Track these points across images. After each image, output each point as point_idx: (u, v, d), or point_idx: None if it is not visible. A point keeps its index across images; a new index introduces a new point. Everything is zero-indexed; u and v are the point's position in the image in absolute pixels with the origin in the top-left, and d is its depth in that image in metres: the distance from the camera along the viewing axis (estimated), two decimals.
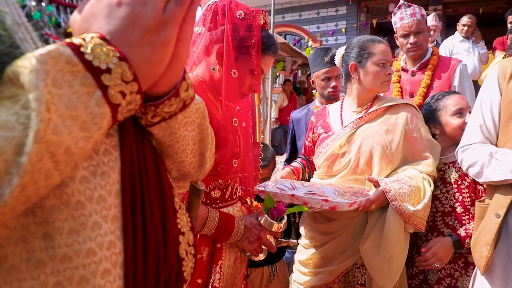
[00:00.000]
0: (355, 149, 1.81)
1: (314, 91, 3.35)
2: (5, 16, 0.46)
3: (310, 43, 10.32)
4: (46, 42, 0.52)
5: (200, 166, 0.76)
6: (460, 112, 1.81)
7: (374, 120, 1.84)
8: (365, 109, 1.88)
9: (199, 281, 1.39)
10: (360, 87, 1.86)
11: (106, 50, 0.46)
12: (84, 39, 0.45)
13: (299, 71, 10.67)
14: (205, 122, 0.71)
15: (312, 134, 2.05)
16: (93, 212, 0.51)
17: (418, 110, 1.91)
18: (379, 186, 1.67)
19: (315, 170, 2.05)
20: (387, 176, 1.76)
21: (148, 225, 0.57)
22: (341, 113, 1.97)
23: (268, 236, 1.49)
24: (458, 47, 5.18)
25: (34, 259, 0.47)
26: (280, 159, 3.54)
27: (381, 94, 2.84)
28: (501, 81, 1.44)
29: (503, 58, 2.75)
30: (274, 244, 1.53)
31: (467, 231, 1.70)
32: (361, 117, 1.85)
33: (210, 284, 1.39)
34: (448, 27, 8.47)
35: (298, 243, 1.60)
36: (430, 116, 1.92)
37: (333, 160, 1.87)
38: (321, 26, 10.45)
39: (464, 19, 5.25)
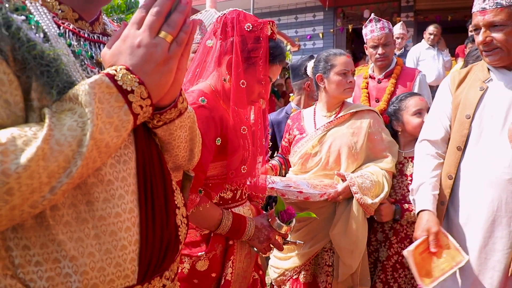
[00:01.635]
0: (325, 149, 2.07)
1: (291, 94, 3.61)
2: (63, 56, 0.69)
3: (289, 47, 10.60)
4: (85, 70, 0.75)
5: (190, 159, 1.00)
6: (420, 112, 2.10)
7: (342, 124, 2.11)
8: (335, 114, 2.15)
9: (213, 275, 1.48)
10: (327, 94, 2.13)
11: (130, 77, 0.69)
12: (116, 70, 0.68)
13: None
14: (194, 126, 0.95)
15: (289, 135, 2.31)
16: (118, 187, 0.74)
17: (380, 115, 2.19)
18: (346, 180, 1.94)
19: (291, 167, 2.30)
20: (353, 172, 2.03)
21: (155, 199, 0.81)
22: (314, 117, 2.23)
23: (276, 236, 1.57)
24: (424, 54, 5.53)
25: (80, 218, 0.70)
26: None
27: (349, 100, 3.14)
28: (452, 88, 1.73)
29: (461, 65, 3.03)
30: (281, 243, 1.60)
31: (410, 207, 2.00)
32: (331, 121, 2.12)
33: (223, 277, 1.48)
34: (419, 33, 8.87)
35: (303, 244, 1.73)
36: (394, 115, 2.21)
37: (307, 158, 2.12)
38: (299, 31, 10.76)
39: (430, 28, 5.59)
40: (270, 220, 1.53)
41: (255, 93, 1.45)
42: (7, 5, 0.66)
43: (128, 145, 0.78)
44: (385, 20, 2.82)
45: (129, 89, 0.68)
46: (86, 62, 0.76)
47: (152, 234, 0.79)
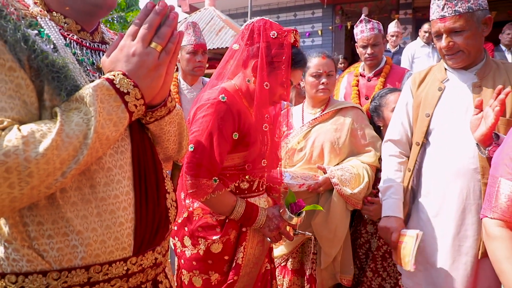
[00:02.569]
0: (309, 144, 2.21)
1: None
2: (70, 63, 0.82)
3: None
4: (88, 75, 0.89)
5: (179, 151, 1.14)
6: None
7: (327, 120, 2.24)
8: (320, 111, 2.28)
9: (226, 257, 1.61)
10: (307, 94, 2.27)
11: (126, 81, 0.82)
12: (114, 75, 0.82)
13: None
14: (182, 122, 1.09)
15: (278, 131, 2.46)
16: (117, 174, 0.88)
17: (364, 112, 2.32)
18: (327, 173, 2.07)
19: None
20: (336, 166, 2.17)
21: (147, 184, 0.95)
22: (302, 114, 2.36)
23: (288, 227, 1.68)
24: (419, 52, 5.64)
25: (85, 199, 0.84)
26: None
27: (341, 97, 3.27)
28: (413, 88, 1.87)
29: None
30: (292, 234, 1.71)
31: None
32: (316, 118, 2.25)
33: (235, 261, 1.61)
34: (418, 30, 8.97)
35: (312, 236, 1.81)
36: (375, 111, 2.33)
37: (293, 153, 2.26)
38: (298, 28, 10.72)
39: (426, 26, 5.68)
40: (281, 211, 1.64)
41: (277, 94, 1.58)
42: (23, 22, 0.80)
43: (125, 138, 0.92)
44: (375, 21, 2.94)
45: (125, 91, 0.82)
46: (88, 68, 0.90)
47: (145, 213, 0.93)
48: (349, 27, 10.48)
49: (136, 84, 0.84)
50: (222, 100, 1.52)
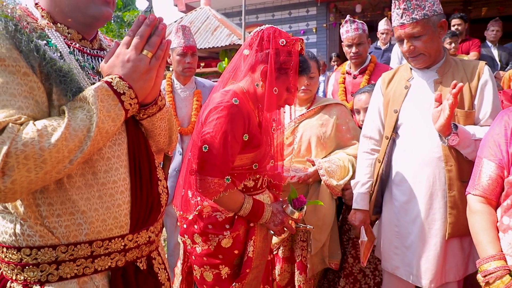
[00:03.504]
0: (297, 139, 2.36)
1: None
2: (74, 69, 0.97)
3: None
4: (89, 78, 1.03)
5: (169, 144, 1.29)
6: (358, 112, 2.39)
7: (313, 116, 2.39)
8: (306, 107, 2.43)
9: (236, 252, 1.68)
10: None
11: (122, 83, 0.97)
12: (112, 78, 0.97)
13: None
14: (171, 118, 1.23)
15: None
16: (115, 162, 1.03)
17: (347, 108, 2.47)
18: (315, 165, 2.23)
19: None
20: (323, 158, 2.32)
21: (141, 172, 1.10)
22: (290, 111, 2.51)
23: (290, 221, 1.76)
24: None
25: (88, 184, 0.99)
26: None
27: (329, 94, 3.41)
28: (382, 87, 2.03)
29: None
30: (294, 227, 1.79)
31: None
32: (303, 114, 2.40)
33: (246, 255, 1.68)
34: None
35: (313, 228, 1.91)
36: (353, 109, 2.51)
37: None
38: (293, 26, 10.97)
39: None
40: (284, 206, 1.73)
41: (283, 99, 1.66)
42: (34, 34, 0.95)
43: (122, 132, 1.07)
44: (359, 21, 3.08)
45: (121, 92, 0.97)
46: (89, 72, 1.05)
47: (139, 197, 1.08)
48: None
49: (131, 86, 0.98)
50: (235, 103, 1.58)
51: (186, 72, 2.73)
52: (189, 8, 10.83)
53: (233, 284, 1.66)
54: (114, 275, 1.05)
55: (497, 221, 1.41)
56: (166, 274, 1.23)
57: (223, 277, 1.69)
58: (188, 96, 2.81)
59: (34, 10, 1.05)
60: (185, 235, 1.75)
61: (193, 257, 1.74)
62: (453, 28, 5.45)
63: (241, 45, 5.35)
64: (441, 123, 1.62)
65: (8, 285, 1.00)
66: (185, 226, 1.74)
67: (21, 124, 0.85)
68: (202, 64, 6.80)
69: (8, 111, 0.85)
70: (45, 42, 0.97)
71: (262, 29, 1.65)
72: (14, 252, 0.97)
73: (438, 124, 1.64)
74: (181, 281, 1.94)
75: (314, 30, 10.79)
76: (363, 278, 2.38)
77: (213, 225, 1.67)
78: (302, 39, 1.65)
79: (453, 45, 4.60)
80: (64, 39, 1.05)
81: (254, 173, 1.71)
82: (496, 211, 1.44)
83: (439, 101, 1.65)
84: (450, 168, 1.76)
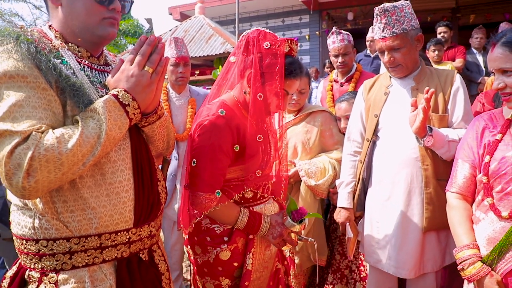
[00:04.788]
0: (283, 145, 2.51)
1: None
2: (85, 83, 1.12)
3: None
4: (98, 91, 1.18)
5: (167, 148, 1.44)
6: (339, 119, 2.56)
7: (299, 123, 2.55)
8: (294, 114, 2.58)
9: (235, 264, 1.64)
10: None
11: (127, 96, 1.12)
12: (118, 91, 1.11)
13: None
14: (169, 125, 1.38)
15: None
16: (120, 165, 1.17)
17: (331, 114, 2.63)
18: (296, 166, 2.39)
19: None
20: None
21: (143, 173, 1.24)
22: (279, 117, 2.67)
23: (292, 234, 1.69)
24: None
25: (97, 183, 1.13)
26: None
27: (317, 101, 3.56)
28: (364, 94, 2.19)
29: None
30: (296, 239, 1.71)
31: None
32: (289, 121, 2.56)
33: (245, 267, 1.64)
34: None
35: (314, 241, 1.81)
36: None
37: None
38: (286, 34, 11.16)
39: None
40: (284, 218, 1.66)
41: (272, 105, 1.59)
42: (51, 54, 1.09)
43: (126, 138, 1.22)
44: (345, 33, 3.25)
45: (126, 103, 1.11)
46: (97, 86, 1.20)
47: (142, 195, 1.22)
48: None
49: (134, 98, 1.13)
50: (221, 114, 1.55)
51: (179, 81, 2.87)
52: (183, 17, 11.01)
53: None
54: (120, 265, 1.19)
55: (471, 215, 1.57)
56: (166, 265, 1.37)
57: None
58: (183, 104, 2.95)
59: (48, 31, 1.21)
60: (188, 245, 1.75)
61: (195, 267, 1.74)
62: (439, 36, 5.61)
63: None
64: (417, 125, 1.78)
65: (26, 273, 1.14)
66: (186, 237, 1.75)
67: (42, 132, 1.00)
68: (197, 72, 6.96)
69: (31, 121, 1.00)
70: (60, 60, 1.12)
71: (248, 33, 1.60)
72: (33, 244, 1.11)
73: (414, 127, 1.80)
74: None
75: (307, 38, 10.98)
76: (350, 274, 2.52)
77: (211, 237, 1.64)
78: (292, 40, 1.58)
79: (436, 52, 4.74)
80: (75, 57, 1.20)
81: (249, 186, 1.66)
82: (472, 206, 1.59)
83: (414, 106, 1.81)
84: (426, 167, 1.92)
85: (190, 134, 1.62)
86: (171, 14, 11.59)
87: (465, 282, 1.55)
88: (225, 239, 1.63)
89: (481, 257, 1.44)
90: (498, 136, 1.47)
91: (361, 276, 2.49)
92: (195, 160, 1.53)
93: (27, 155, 0.95)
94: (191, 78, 6.90)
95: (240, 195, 1.67)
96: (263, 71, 1.53)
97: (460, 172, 1.61)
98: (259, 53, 1.53)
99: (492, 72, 1.46)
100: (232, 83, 1.67)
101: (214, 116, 1.54)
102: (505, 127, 1.48)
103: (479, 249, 1.47)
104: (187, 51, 2.97)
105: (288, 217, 1.64)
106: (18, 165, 0.95)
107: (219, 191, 1.56)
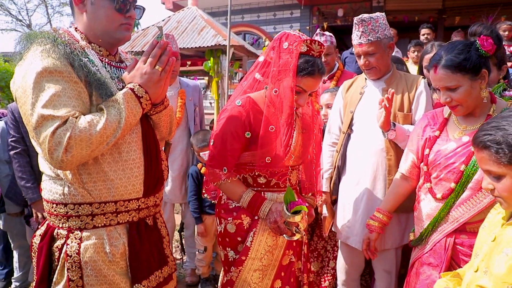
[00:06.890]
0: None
1: None
2: (107, 78, 1.38)
3: (267, 42, 11.23)
4: (116, 85, 1.43)
5: (169, 134, 1.70)
6: (321, 107, 2.83)
7: None
8: None
9: (239, 238, 1.84)
10: None
11: (141, 90, 1.38)
12: (134, 86, 1.38)
13: None
14: (172, 114, 1.65)
15: None
16: (133, 145, 1.44)
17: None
18: None
19: None
20: None
21: (151, 153, 1.51)
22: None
23: (292, 225, 1.76)
24: None
25: (115, 160, 1.40)
26: None
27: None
28: (343, 92, 2.49)
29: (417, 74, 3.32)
30: (291, 230, 1.77)
31: None
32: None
33: (245, 243, 1.81)
34: None
35: (300, 238, 1.87)
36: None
37: None
38: (277, 27, 11.34)
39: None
40: (284, 206, 1.73)
41: (286, 100, 1.71)
42: (82, 54, 1.35)
43: (137, 124, 1.48)
44: (328, 34, 3.53)
45: (140, 95, 1.38)
46: (116, 81, 1.45)
47: (149, 171, 1.49)
48: (325, 27, 11.06)
49: (147, 91, 1.39)
50: (237, 104, 1.78)
51: None
52: (176, 7, 11.10)
53: (231, 268, 1.83)
54: (131, 227, 1.47)
55: (405, 192, 1.95)
56: (166, 230, 1.65)
57: (230, 260, 1.87)
58: (173, 95, 3.18)
59: (75, 33, 1.46)
60: (216, 216, 1.98)
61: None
62: (422, 37, 5.85)
63: (226, 45, 5.56)
64: (382, 121, 2.07)
65: (55, 231, 1.41)
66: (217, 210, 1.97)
67: (76, 118, 1.26)
68: (189, 63, 7.16)
69: (67, 108, 1.25)
70: (87, 59, 1.37)
71: (278, 35, 1.76)
72: (62, 207, 1.37)
73: (380, 122, 2.09)
74: None
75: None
76: (325, 253, 2.83)
77: (225, 210, 1.88)
78: (313, 40, 1.69)
79: (416, 53, 4.99)
80: (97, 55, 1.45)
81: (263, 169, 1.79)
82: (416, 186, 1.92)
83: (381, 104, 2.11)
84: (390, 158, 2.22)
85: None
86: (163, 3, 11.69)
87: None
88: (234, 214, 1.84)
89: (376, 218, 2.00)
90: (437, 133, 1.78)
91: (334, 255, 2.79)
92: (212, 140, 1.80)
93: (66, 135, 1.21)
94: (183, 68, 7.10)
95: (252, 178, 1.84)
96: (279, 69, 1.69)
97: (407, 159, 1.94)
98: (279, 53, 1.70)
99: (437, 88, 1.70)
100: (263, 82, 1.83)
101: (231, 106, 1.80)
102: (442, 125, 1.78)
103: (388, 217, 1.99)
104: (177, 46, 3.20)
105: (284, 207, 1.70)
106: (59, 143, 1.21)
107: (226, 168, 1.76)
